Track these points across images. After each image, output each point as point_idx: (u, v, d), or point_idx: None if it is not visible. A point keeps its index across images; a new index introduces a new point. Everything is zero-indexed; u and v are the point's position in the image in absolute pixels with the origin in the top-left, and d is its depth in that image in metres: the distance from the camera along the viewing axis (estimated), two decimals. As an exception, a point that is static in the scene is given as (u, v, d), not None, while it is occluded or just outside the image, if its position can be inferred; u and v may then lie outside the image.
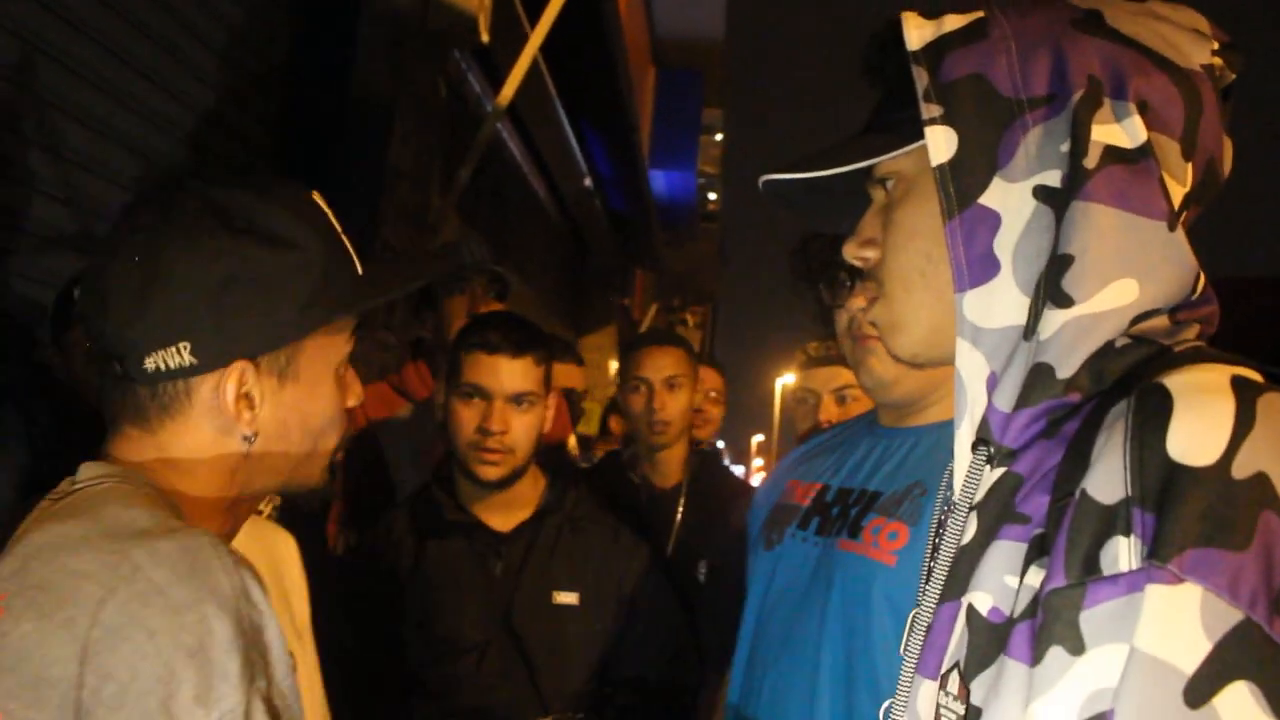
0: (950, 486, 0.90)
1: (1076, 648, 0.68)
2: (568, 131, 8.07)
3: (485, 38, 4.85)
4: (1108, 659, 0.67)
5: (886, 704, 0.92)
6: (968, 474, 0.86)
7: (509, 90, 5.18)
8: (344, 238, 1.07)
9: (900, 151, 0.91)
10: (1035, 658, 0.71)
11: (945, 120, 0.84)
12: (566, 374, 3.42)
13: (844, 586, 1.50)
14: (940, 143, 0.84)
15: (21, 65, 2.57)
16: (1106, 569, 0.68)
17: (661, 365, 2.75)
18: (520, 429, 1.97)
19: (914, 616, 0.89)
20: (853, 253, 0.96)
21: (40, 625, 0.81)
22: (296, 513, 1.53)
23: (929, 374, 1.51)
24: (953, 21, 0.87)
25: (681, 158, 16.15)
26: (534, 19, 5.25)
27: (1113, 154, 0.80)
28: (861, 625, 1.48)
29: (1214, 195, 0.86)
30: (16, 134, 2.59)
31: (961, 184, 0.83)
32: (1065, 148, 0.81)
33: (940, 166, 0.84)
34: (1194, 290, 0.82)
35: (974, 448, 0.86)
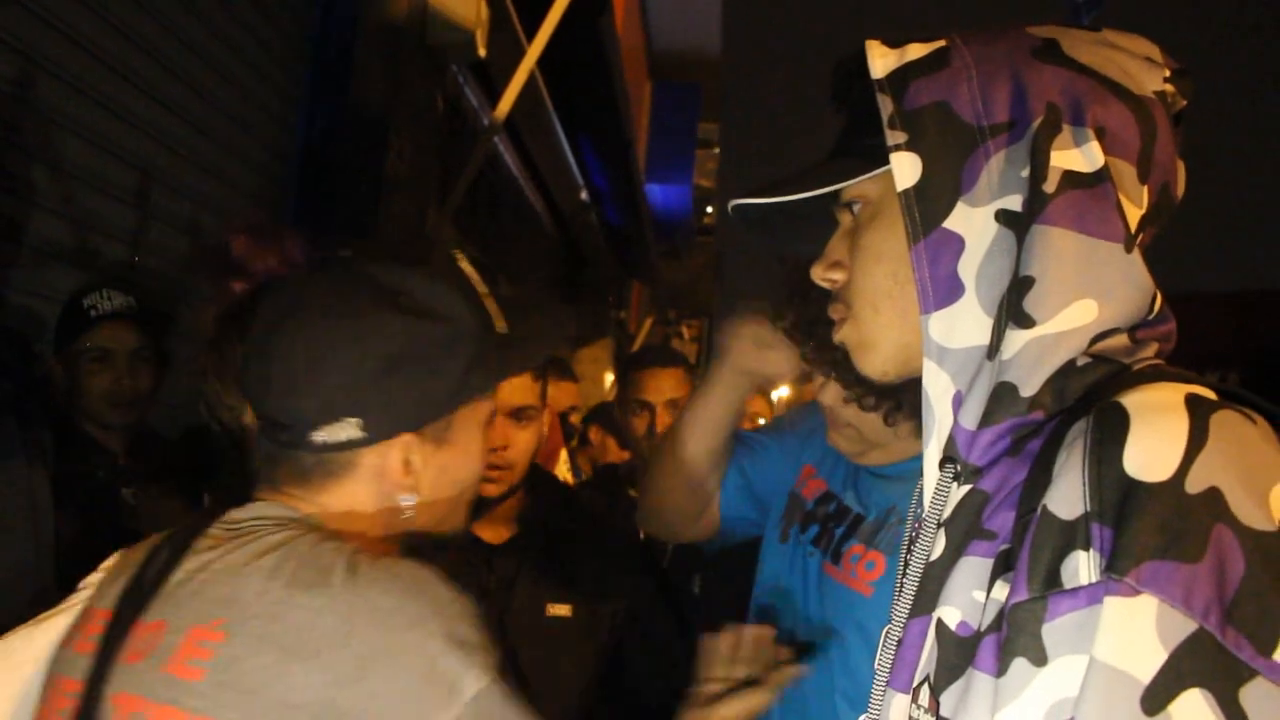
0: (920, 504, 0.92)
1: (1039, 659, 0.71)
2: (564, 145, 8.10)
3: (482, 52, 4.88)
4: (1069, 670, 0.69)
5: (861, 719, 0.94)
6: (935, 491, 0.88)
7: (506, 104, 5.20)
8: (486, 300, 1.13)
9: (865, 176, 0.94)
10: (1000, 669, 0.73)
11: (910, 146, 0.87)
12: (563, 391, 3.42)
13: (833, 614, 1.56)
14: (905, 168, 0.86)
15: (21, 80, 2.59)
16: (1067, 582, 0.71)
17: (663, 387, 2.78)
18: (520, 445, 1.98)
19: (886, 632, 0.91)
20: (820, 275, 0.99)
21: (281, 657, 0.89)
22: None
23: (885, 445, 1.58)
24: (916, 50, 0.90)
25: (678, 171, 16.19)
26: (531, 33, 5.28)
27: (1071, 179, 0.83)
28: (839, 653, 1.53)
29: (1169, 217, 0.90)
30: (16, 148, 2.61)
31: (926, 208, 0.86)
32: (1025, 173, 0.84)
33: (905, 191, 0.86)
34: (1151, 309, 0.85)
35: (941, 465, 0.88)
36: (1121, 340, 0.83)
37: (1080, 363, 0.82)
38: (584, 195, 9.56)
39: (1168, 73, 0.89)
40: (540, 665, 1.95)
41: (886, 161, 0.88)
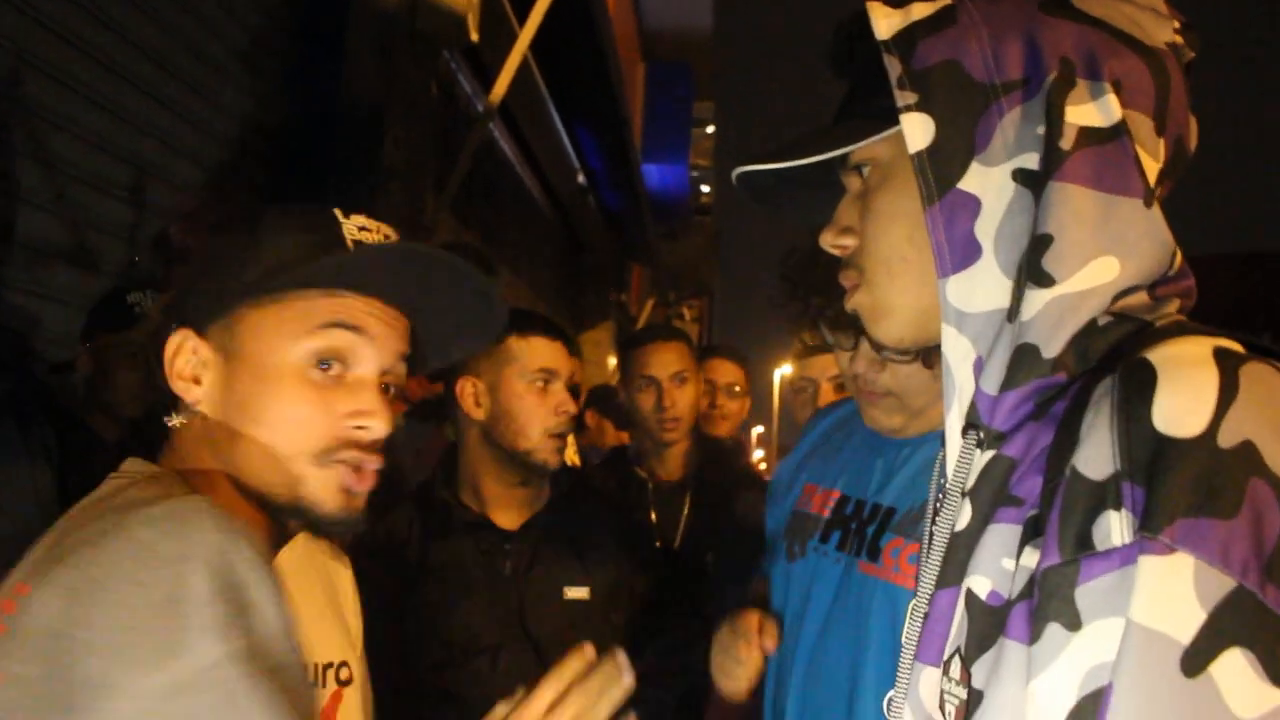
0: (943, 473, 0.91)
1: (1073, 623, 0.69)
2: (559, 128, 8.06)
3: (474, 36, 4.84)
4: (1104, 633, 0.68)
5: (889, 695, 0.92)
6: (959, 459, 0.87)
7: (500, 89, 5.17)
8: (341, 224, 1.08)
9: (876, 138, 0.91)
10: (1033, 636, 0.72)
11: (921, 107, 0.84)
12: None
13: (873, 613, 1.49)
14: (917, 129, 0.84)
15: (14, 78, 2.57)
16: (1099, 544, 0.69)
17: (667, 361, 2.76)
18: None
19: (912, 606, 0.89)
20: (830, 241, 0.97)
21: (41, 589, 0.84)
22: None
23: (926, 410, 1.53)
24: (921, 9, 0.88)
25: (673, 151, 16.15)
26: (522, 17, 5.24)
27: (1088, 134, 0.81)
28: (891, 650, 1.44)
29: (1182, 171, 0.88)
30: (9, 146, 2.59)
31: (940, 170, 0.84)
32: (1041, 130, 0.82)
33: (918, 153, 0.84)
34: (1171, 265, 0.83)
35: (963, 432, 0.86)
36: (1142, 297, 0.82)
37: (1102, 322, 0.80)
38: (580, 178, 9.53)
39: (1176, 24, 0.87)
40: (560, 647, 1.94)
41: (896, 123, 0.86)
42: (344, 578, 1.33)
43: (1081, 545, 0.70)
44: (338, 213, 1.08)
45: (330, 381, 1.03)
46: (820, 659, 1.56)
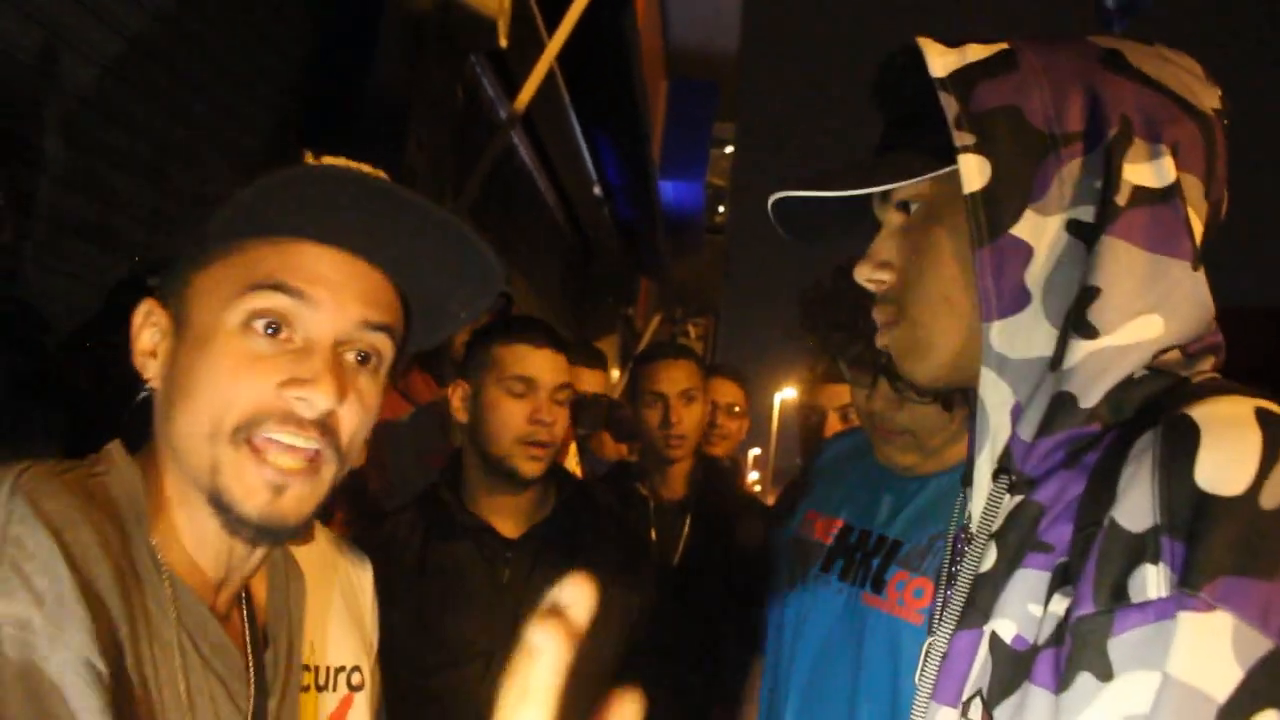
0: (963, 514, 0.91)
1: (1105, 674, 0.70)
2: (580, 138, 8.08)
3: (504, 42, 4.86)
4: (1136, 685, 0.68)
5: None
6: (987, 502, 0.87)
7: (525, 96, 5.18)
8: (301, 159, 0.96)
9: (930, 175, 0.91)
10: (1063, 684, 0.72)
11: (979, 149, 0.84)
12: (590, 379, 3.41)
13: (873, 645, 1.49)
14: (973, 171, 0.84)
15: (44, 55, 2.58)
16: (1135, 596, 0.69)
17: (677, 379, 2.76)
18: (560, 424, 1.98)
19: (929, 645, 0.89)
20: (867, 274, 0.97)
21: None
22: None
23: (941, 449, 1.54)
24: (976, 51, 0.89)
25: (691, 169, 16.14)
26: (551, 25, 5.26)
27: (1143, 194, 0.82)
28: (889, 683, 1.46)
29: (1214, 235, 0.89)
30: (37, 123, 2.60)
31: (993, 213, 0.84)
32: (1098, 184, 0.83)
33: (972, 195, 0.84)
34: (1209, 326, 0.84)
35: (994, 476, 0.86)
36: (1177, 355, 0.83)
37: (1137, 375, 0.81)
38: (597, 189, 9.55)
39: (1220, 91, 0.88)
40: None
41: (947, 161, 0.86)
42: (364, 582, 1.26)
43: (1117, 597, 0.70)
44: (308, 153, 0.96)
45: (274, 348, 0.91)
46: (817, 687, 1.56)
